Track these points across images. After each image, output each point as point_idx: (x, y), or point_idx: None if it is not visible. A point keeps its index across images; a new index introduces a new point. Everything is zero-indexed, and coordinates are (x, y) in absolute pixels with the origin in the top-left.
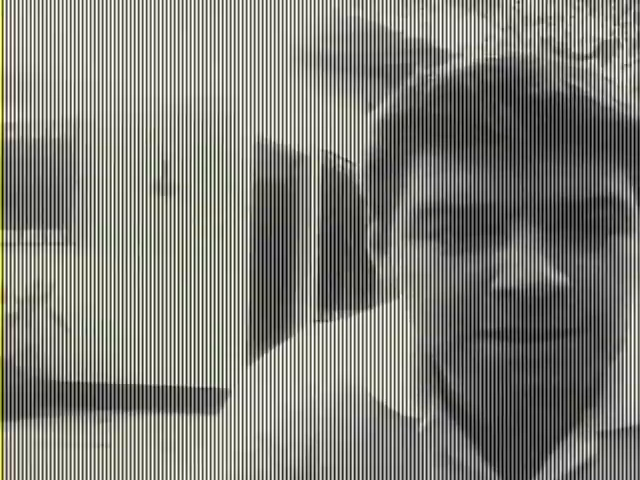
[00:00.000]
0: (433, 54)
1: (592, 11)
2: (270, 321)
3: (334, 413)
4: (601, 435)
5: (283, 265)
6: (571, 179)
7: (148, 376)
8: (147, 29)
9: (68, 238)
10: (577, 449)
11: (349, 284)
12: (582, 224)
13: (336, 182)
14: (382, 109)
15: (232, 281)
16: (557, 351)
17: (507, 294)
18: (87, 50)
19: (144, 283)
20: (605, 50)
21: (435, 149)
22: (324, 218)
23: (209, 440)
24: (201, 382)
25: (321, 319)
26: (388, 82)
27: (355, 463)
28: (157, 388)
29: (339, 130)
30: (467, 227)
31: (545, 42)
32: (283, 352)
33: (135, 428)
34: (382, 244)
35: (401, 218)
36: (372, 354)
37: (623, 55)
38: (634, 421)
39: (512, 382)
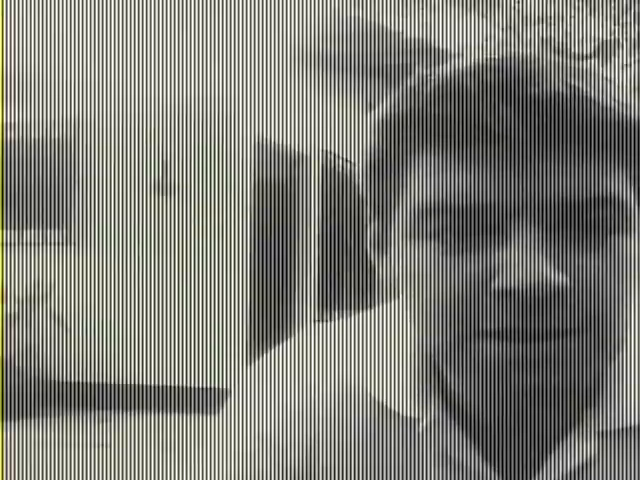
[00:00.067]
0: (433, 54)
1: (592, 11)
2: (270, 321)
3: (334, 413)
4: (601, 435)
5: (283, 265)
6: (571, 179)
7: (148, 376)
8: (147, 29)
9: (68, 238)
10: (577, 449)
11: (349, 284)
12: (582, 224)
13: (336, 182)
14: (382, 109)
15: (232, 281)
16: (557, 351)
17: (507, 294)
18: (87, 50)
19: (144, 283)
20: (605, 50)
21: (435, 149)
22: (324, 218)
23: (209, 440)
24: (201, 382)
25: (321, 319)
26: (388, 82)
27: (355, 463)
28: (157, 388)
29: (339, 130)
30: (467, 227)
31: (545, 42)
32: (283, 352)
33: (135, 428)
34: (382, 244)
35: (401, 218)
36: (372, 354)
37: (623, 55)
38: (634, 421)
39: (512, 382)
